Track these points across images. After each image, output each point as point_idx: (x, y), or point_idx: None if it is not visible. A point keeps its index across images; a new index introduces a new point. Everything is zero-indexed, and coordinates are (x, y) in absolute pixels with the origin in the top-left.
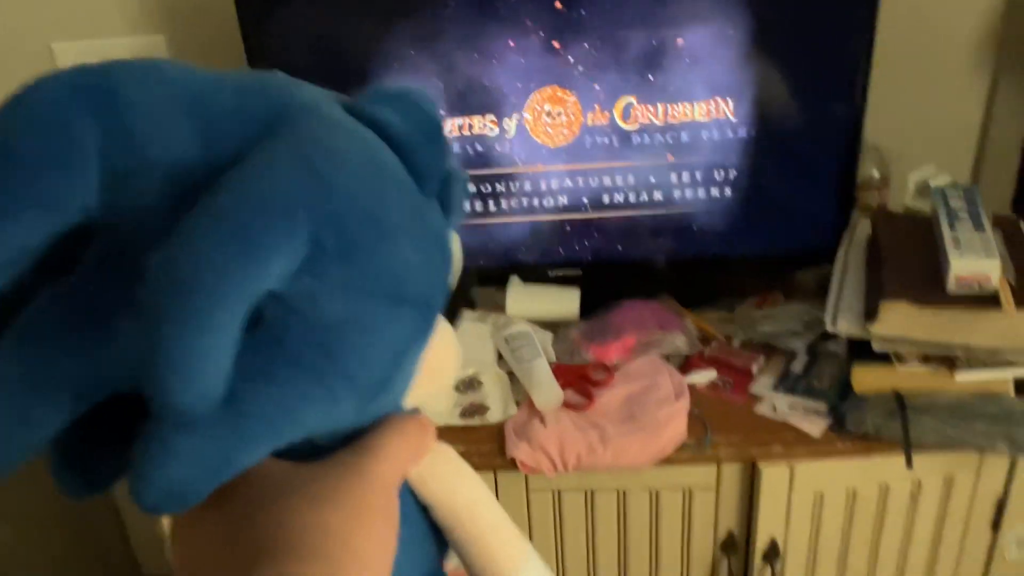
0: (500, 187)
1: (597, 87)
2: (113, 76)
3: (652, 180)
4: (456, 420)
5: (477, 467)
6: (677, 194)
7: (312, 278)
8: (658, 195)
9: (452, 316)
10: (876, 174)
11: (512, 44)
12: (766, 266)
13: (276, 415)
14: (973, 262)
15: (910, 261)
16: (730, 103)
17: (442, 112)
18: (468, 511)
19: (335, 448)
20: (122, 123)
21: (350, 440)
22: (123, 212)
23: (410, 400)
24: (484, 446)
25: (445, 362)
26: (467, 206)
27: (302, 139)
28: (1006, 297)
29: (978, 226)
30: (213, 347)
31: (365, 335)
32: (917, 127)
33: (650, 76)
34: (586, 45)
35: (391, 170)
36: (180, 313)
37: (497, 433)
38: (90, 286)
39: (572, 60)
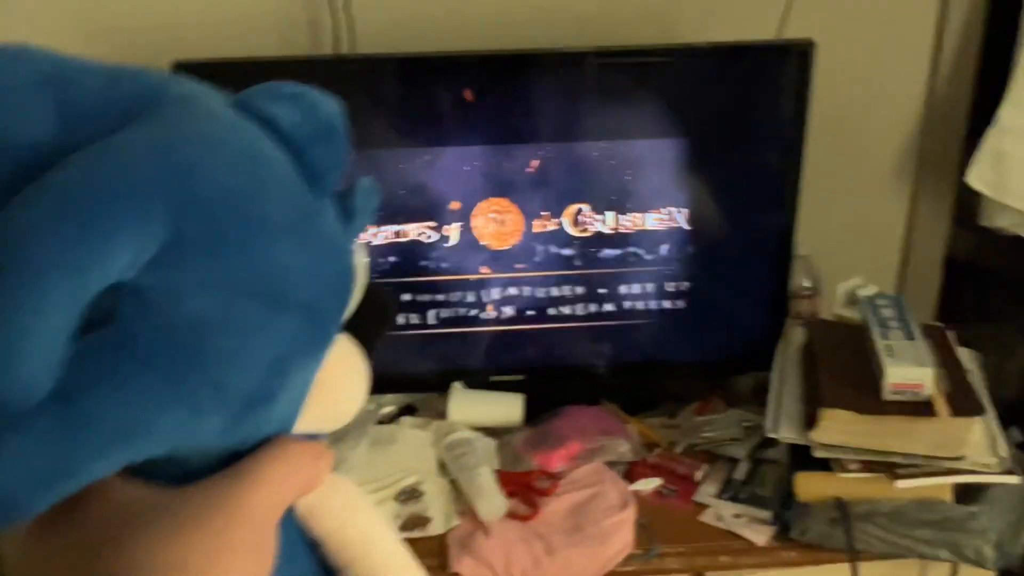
0: (441, 296)
1: (543, 195)
2: None
3: (598, 289)
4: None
5: None
6: (622, 303)
7: (171, 270)
8: (603, 304)
9: (392, 420)
10: (807, 283)
11: (457, 150)
12: (705, 372)
13: (123, 422)
14: (907, 370)
15: (845, 369)
16: (677, 213)
17: (378, 213)
18: (362, 547)
19: (207, 474)
20: None
21: (228, 464)
22: None
23: (304, 424)
24: (425, 560)
25: (345, 382)
26: (372, 217)
27: (168, 124)
28: (940, 405)
29: (909, 335)
30: (37, 333)
31: (234, 338)
32: (843, 239)
33: (595, 185)
34: (536, 158)
35: (274, 165)
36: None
37: (439, 546)
38: None
39: (520, 168)
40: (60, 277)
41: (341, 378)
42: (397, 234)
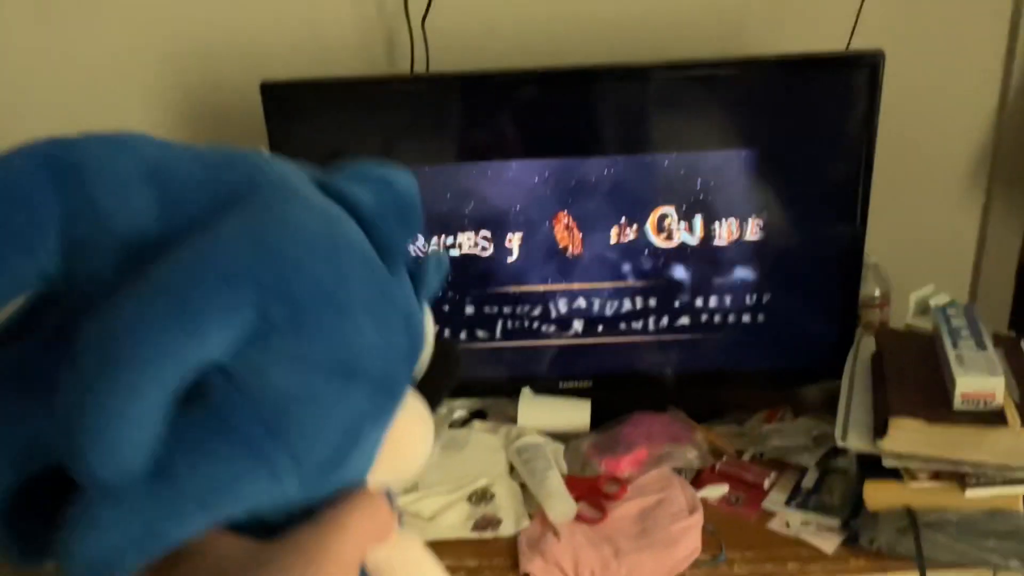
0: (509, 308)
1: (611, 205)
2: (79, 148)
3: (671, 301)
4: (469, 533)
5: None
6: (694, 314)
7: (259, 352)
8: (676, 316)
9: (463, 424)
10: (877, 292)
11: (529, 163)
12: (774, 381)
13: (210, 490)
14: (977, 380)
15: (915, 378)
16: (748, 223)
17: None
18: None
19: (286, 526)
20: (85, 194)
21: (303, 518)
22: (80, 282)
23: (374, 478)
24: (496, 560)
25: (412, 438)
26: (441, 285)
27: (256, 210)
28: (1011, 414)
29: (980, 344)
30: (137, 418)
31: (311, 412)
32: (915, 248)
33: (666, 197)
34: (606, 170)
35: (356, 248)
36: (104, 382)
37: (510, 546)
38: (41, 353)
39: (591, 179)
40: (164, 368)
41: (408, 435)
42: (470, 243)
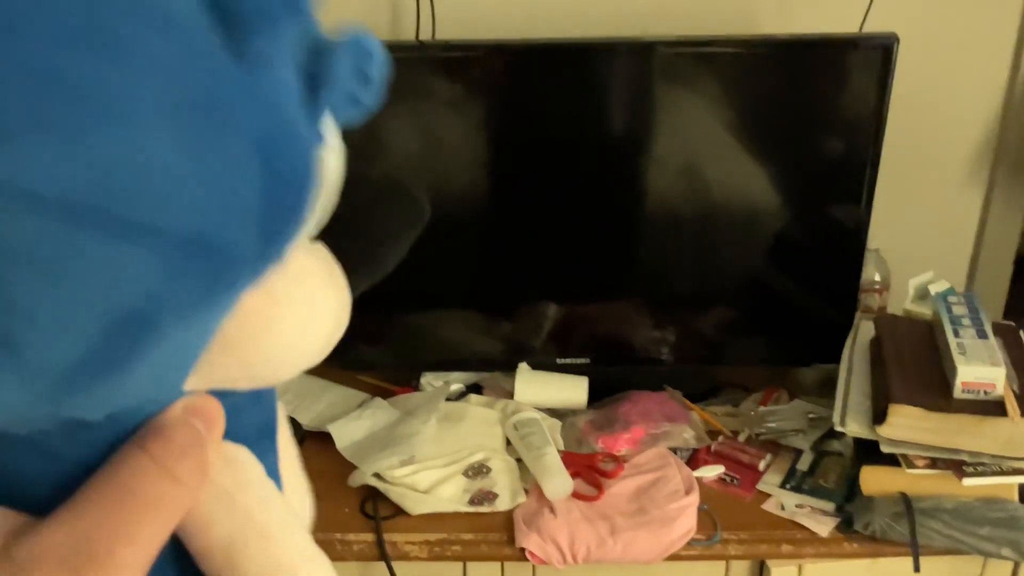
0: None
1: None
2: None
3: (669, 275)
4: (465, 507)
5: (486, 557)
6: (691, 291)
7: None
8: (672, 290)
9: (459, 398)
10: (877, 277)
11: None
12: (770, 362)
13: None
14: (979, 369)
15: (914, 365)
16: (751, 203)
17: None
18: (225, 556)
19: (53, 497)
20: None
21: (75, 474)
22: None
23: (206, 382)
24: (492, 534)
25: (284, 326)
26: (368, 86)
27: None
28: (1011, 405)
29: (981, 333)
30: None
31: (38, 279)
32: (915, 233)
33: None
34: (601, 148)
35: (155, 5)
36: None
37: (506, 521)
38: None
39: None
40: None
41: (276, 323)
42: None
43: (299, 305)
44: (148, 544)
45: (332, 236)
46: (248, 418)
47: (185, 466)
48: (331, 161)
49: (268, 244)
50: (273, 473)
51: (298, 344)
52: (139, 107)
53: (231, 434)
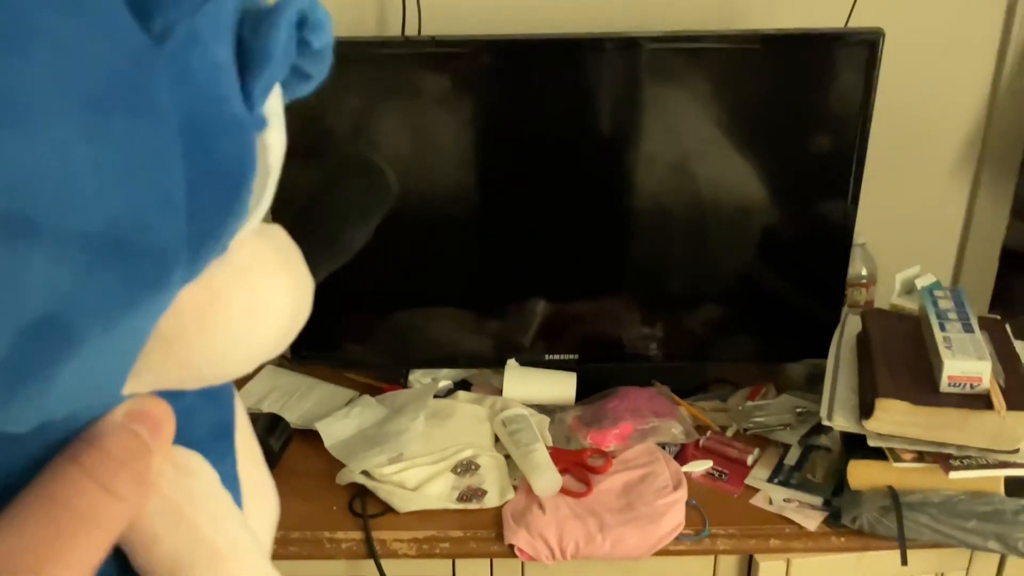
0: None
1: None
2: None
3: (655, 271)
4: (453, 504)
5: (474, 554)
6: (678, 286)
7: None
8: (659, 286)
9: (447, 395)
10: (864, 272)
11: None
12: (758, 357)
13: None
14: (965, 363)
15: (901, 359)
16: (737, 198)
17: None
18: (170, 575)
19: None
20: None
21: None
22: None
23: (149, 383)
24: (481, 531)
25: (233, 321)
26: (322, 64)
27: None
28: (997, 398)
29: (967, 327)
30: None
31: None
32: (902, 228)
33: (653, 171)
34: (592, 145)
35: None
36: None
37: (495, 518)
38: None
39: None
40: None
41: (218, 319)
42: None
43: (245, 298)
44: (81, 564)
45: (292, 216)
46: (201, 419)
47: (122, 479)
48: (275, 143)
49: (200, 236)
50: (231, 477)
51: (246, 339)
52: (42, 99)
53: (183, 437)
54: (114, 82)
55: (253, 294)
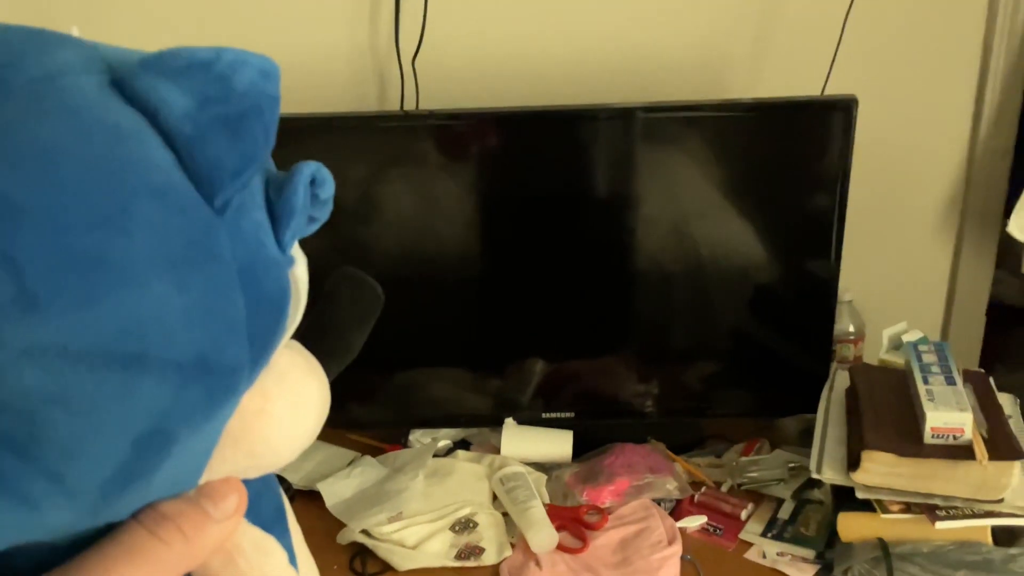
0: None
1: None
2: None
3: (647, 330)
4: (452, 561)
5: None
6: (670, 344)
7: None
8: (652, 344)
9: (447, 454)
10: (851, 328)
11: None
12: (751, 413)
13: None
14: (947, 415)
15: (887, 412)
16: (726, 260)
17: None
18: None
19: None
20: None
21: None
22: None
23: (216, 474)
24: None
25: (277, 423)
26: (321, 207)
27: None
28: (979, 449)
29: (950, 380)
30: None
31: (72, 419)
32: (889, 285)
33: (648, 232)
34: (586, 210)
35: (147, 177)
36: None
37: (492, 575)
38: None
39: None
40: None
41: (272, 416)
42: None
43: (289, 396)
44: None
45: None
46: (267, 502)
47: (165, 527)
48: (301, 274)
49: (257, 353)
50: (291, 555)
51: (293, 429)
52: (143, 265)
53: (257, 519)
54: (193, 246)
55: (294, 393)
